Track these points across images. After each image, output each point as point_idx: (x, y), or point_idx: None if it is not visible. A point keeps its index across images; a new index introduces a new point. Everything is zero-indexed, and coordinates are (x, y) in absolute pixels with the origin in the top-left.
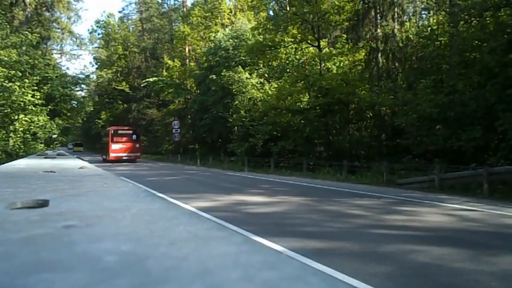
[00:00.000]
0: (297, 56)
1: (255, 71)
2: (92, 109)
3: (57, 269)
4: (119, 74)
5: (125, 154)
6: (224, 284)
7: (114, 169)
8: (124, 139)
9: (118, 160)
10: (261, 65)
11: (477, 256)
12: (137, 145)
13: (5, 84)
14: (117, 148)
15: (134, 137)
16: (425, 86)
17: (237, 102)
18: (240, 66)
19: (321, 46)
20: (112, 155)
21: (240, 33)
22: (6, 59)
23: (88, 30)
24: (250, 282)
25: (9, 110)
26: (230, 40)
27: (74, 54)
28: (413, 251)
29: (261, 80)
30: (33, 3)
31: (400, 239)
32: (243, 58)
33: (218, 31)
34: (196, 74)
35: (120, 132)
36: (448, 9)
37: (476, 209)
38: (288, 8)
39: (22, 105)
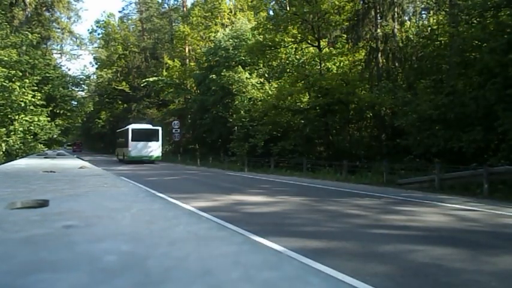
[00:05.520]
0: (297, 56)
1: (255, 71)
2: (92, 109)
3: (57, 269)
4: (118, 74)
5: (77, 150)
6: (225, 284)
7: (114, 169)
8: (77, 144)
9: (75, 150)
10: (261, 65)
11: (477, 256)
12: (81, 146)
13: (5, 84)
14: (75, 147)
15: (81, 144)
16: (425, 86)
17: (237, 102)
18: (240, 66)
19: (321, 46)
20: (73, 149)
21: (240, 33)
22: (6, 59)
23: (88, 30)
24: (250, 282)
25: (9, 109)
26: (230, 40)
27: (74, 54)
28: (414, 250)
29: (261, 80)
30: (33, 3)
31: (400, 239)
32: (243, 58)
33: (218, 31)
34: (196, 74)
35: (76, 143)
36: (448, 9)
37: (476, 209)
38: (288, 8)
39: (22, 105)
